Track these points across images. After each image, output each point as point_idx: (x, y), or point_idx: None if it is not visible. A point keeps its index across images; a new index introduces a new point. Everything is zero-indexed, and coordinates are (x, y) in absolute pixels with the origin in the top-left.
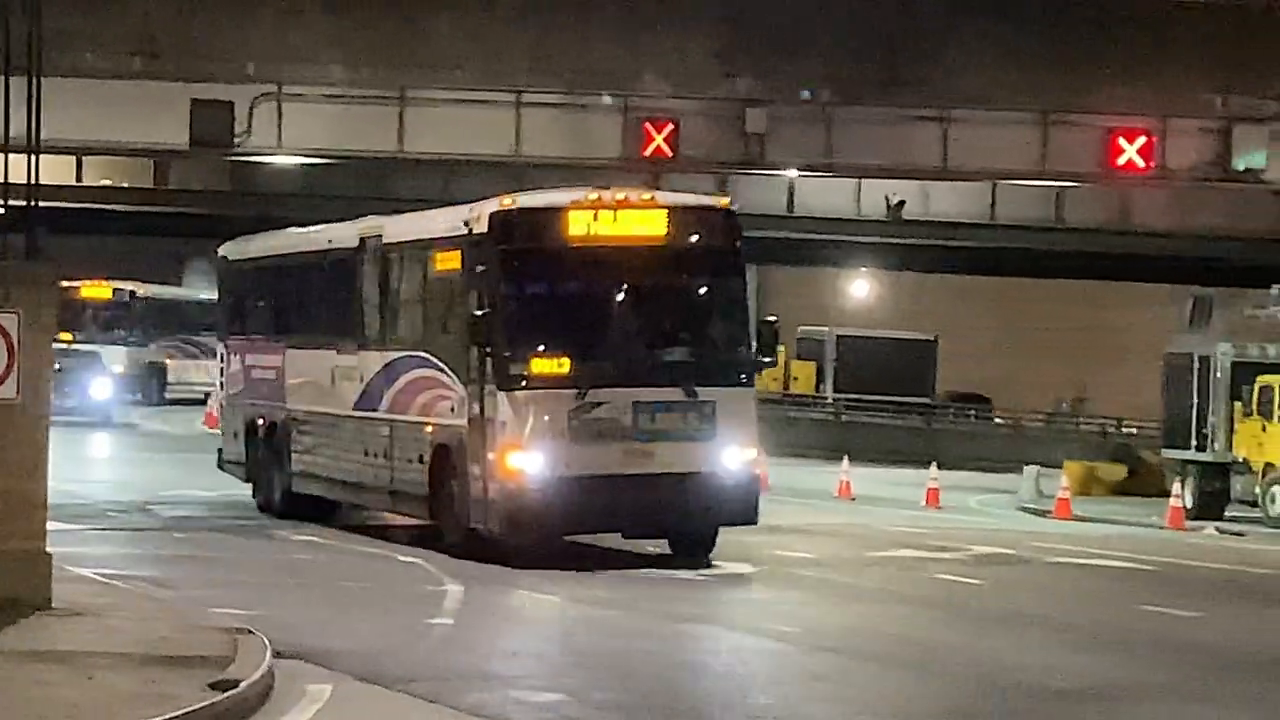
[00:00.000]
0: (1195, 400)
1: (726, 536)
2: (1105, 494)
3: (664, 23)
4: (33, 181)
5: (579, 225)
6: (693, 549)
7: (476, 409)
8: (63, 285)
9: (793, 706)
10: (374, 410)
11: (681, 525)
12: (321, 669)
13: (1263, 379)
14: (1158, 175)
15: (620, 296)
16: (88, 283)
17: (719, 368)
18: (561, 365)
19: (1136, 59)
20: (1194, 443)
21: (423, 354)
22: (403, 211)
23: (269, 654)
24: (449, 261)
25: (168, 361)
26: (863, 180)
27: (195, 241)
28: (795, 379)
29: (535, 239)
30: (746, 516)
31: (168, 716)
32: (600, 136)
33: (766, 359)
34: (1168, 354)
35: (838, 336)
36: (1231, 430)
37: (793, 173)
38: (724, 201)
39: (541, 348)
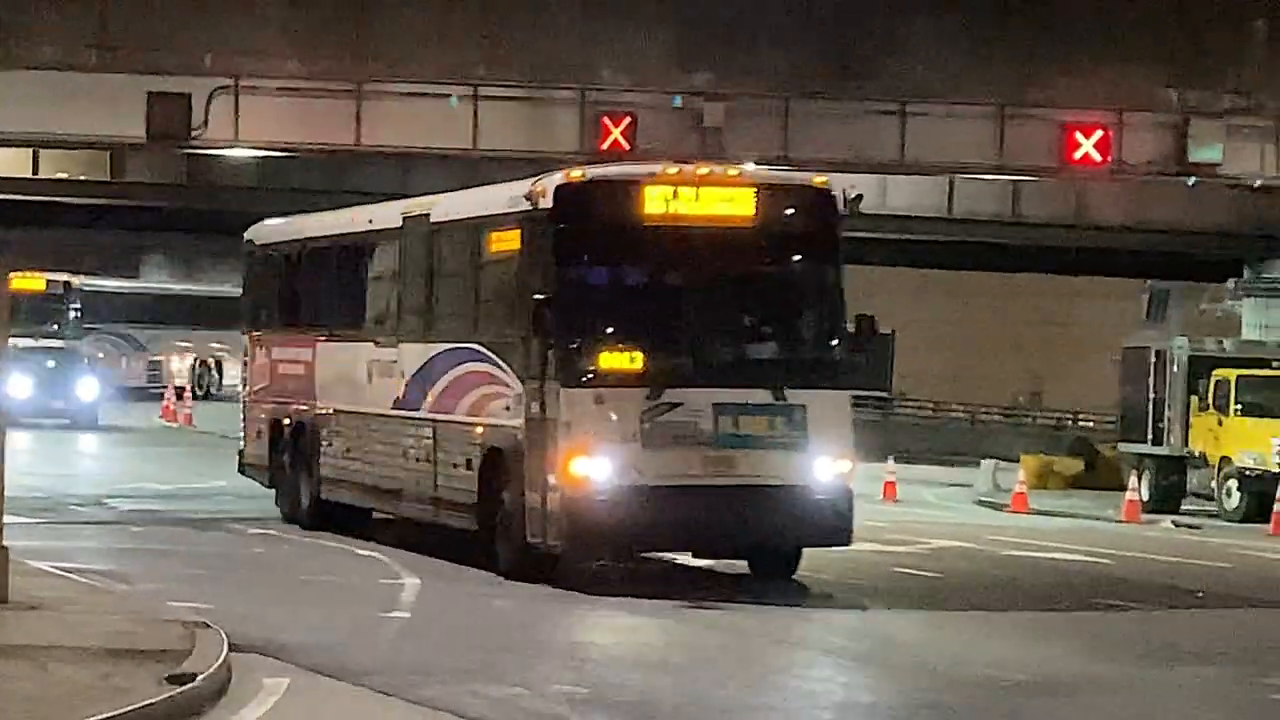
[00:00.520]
0: (1152, 394)
1: None
2: (1062, 487)
3: (621, 17)
4: None
5: (656, 202)
6: (774, 570)
7: (535, 408)
8: None
9: (748, 700)
10: (416, 409)
11: (764, 544)
12: (278, 662)
13: (1219, 373)
14: (1114, 169)
15: (701, 284)
16: (19, 274)
17: (811, 367)
18: (633, 360)
19: (1092, 53)
20: (1150, 437)
21: (474, 346)
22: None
23: (226, 647)
24: (507, 241)
25: (100, 356)
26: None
27: (152, 234)
28: None
29: (606, 216)
30: (838, 537)
31: (124, 710)
32: (558, 130)
33: (864, 359)
34: (1125, 348)
35: None
36: (1188, 424)
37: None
38: (821, 180)
39: (611, 340)
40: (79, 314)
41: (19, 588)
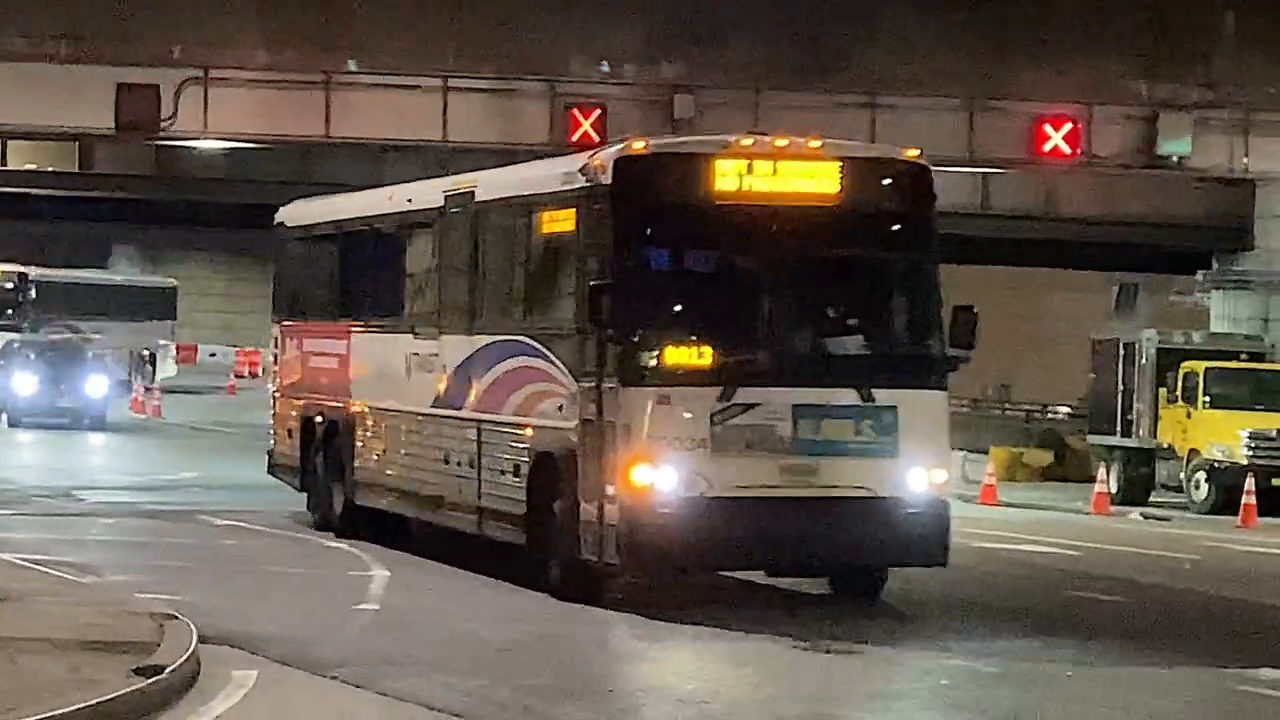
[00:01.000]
0: (1121, 386)
1: None
2: (1031, 480)
3: (592, 8)
4: None
5: (729, 178)
6: (859, 591)
7: (591, 409)
8: None
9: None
10: (459, 408)
11: (849, 564)
12: (248, 654)
13: (1187, 365)
14: (1083, 162)
15: (779, 269)
16: None
17: (903, 364)
18: (703, 355)
19: (1063, 46)
20: (1119, 429)
21: (522, 339)
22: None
23: (195, 639)
24: (560, 222)
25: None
26: None
27: (121, 226)
28: None
29: (672, 193)
30: (932, 556)
31: (92, 702)
32: (528, 122)
33: (963, 354)
34: (1094, 340)
35: None
36: (1156, 416)
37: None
38: (914, 153)
39: (677, 332)
40: (42, 306)
41: None
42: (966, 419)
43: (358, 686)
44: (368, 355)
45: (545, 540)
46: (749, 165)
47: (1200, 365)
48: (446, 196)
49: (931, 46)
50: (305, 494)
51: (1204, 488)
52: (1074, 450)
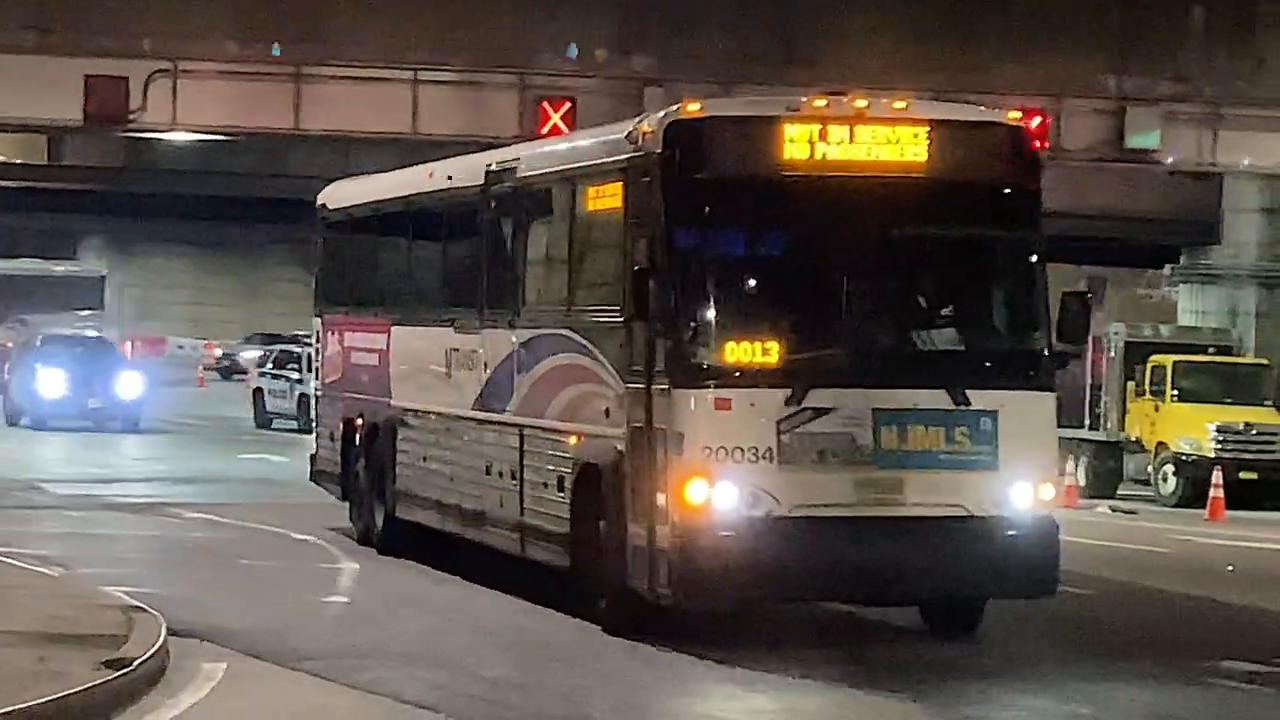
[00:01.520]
0: (1089, 379)
1: None
2: None
3: (562, 1)
4: None
5: (799, 144)
6: (954, 622)
7: (640, 414)
8: None
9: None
10: (500, 410)
11: (939, 595)
12: (217, 647)
13: (1155, 359)
14: (1052, 155)
15: (858, 252)
16: None
17: (1002, 362)
18: (767, 352)
19: (1031, 39)
20: (1087, 422)
21: (565, 333)
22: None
23: (163, 632)
24: (605, 198)
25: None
26: None
27: (90, 218)
28: None
29: (732, 163)
30: (1040, 585)
31: (60, 695)
32: (498, 114)
33: (1074, 350)
34: None
35: None
36: (1124, 410)
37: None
38: (1015, 115)
39: (738, 325)
40: None
41: None
42: None
43: (327, 679)
44: (408, 351)
45: (591, 564)
46: (822, 130)
47: (1168, 359)
48: (488, 173)
49: (900, 39)
50: (347, 504)
51: (1172, 481)
52: None
